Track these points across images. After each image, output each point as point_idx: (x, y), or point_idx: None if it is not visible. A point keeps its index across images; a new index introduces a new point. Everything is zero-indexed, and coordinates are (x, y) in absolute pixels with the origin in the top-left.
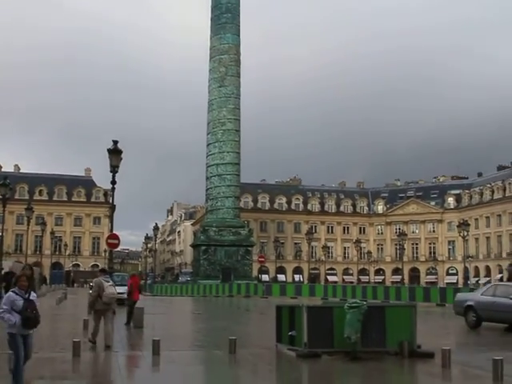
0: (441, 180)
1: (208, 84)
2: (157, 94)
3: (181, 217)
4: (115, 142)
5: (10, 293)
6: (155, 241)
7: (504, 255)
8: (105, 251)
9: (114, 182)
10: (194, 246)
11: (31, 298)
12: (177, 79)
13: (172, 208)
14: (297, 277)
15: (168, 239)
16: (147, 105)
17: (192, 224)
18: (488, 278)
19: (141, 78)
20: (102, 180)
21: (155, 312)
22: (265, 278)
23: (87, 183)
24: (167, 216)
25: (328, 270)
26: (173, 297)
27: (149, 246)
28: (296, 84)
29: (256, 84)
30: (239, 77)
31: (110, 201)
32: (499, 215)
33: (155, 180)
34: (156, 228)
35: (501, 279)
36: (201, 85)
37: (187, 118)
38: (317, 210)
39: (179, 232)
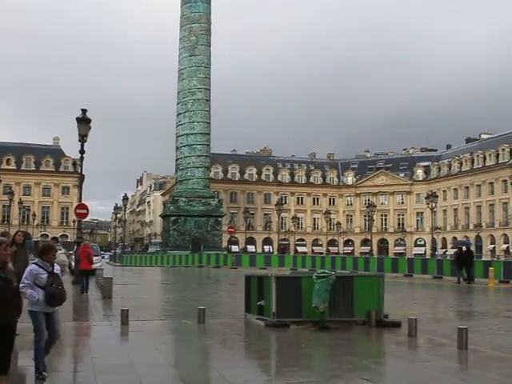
0: (410, 152)
1: (178, 53)
2: (128, 65)
3: (150, 187)
4: (84, 111)
5: (32, 265)
6: (124, 211)
7: (471, 227)
8: (73, 221)
9: (82, 152)
10: (164, 216)
11: (55, 271)
12: (148, 49)
13: (142, 178)
14: (266, 247)
15: (138, 209)
16: (118, 75)
17: (162, 194)
18: (455, 250)
19: (114, 46)
20: (71, 149)
21: (124, 282)
22: (234, 248)
23: (56, 152)
24: (137, 186)
25: (297, 240)
26: (142, 267)
27: (118, 216)
28: (267, 55)
29: (227, 54)
30: (210, 46)
31: (79, 170)
32: (467, 187)
33: (125, 150)
34: (125, 198)
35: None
36: (172, 54)
37: (158, 88)
38: (287, 181)
39: (149, 202)
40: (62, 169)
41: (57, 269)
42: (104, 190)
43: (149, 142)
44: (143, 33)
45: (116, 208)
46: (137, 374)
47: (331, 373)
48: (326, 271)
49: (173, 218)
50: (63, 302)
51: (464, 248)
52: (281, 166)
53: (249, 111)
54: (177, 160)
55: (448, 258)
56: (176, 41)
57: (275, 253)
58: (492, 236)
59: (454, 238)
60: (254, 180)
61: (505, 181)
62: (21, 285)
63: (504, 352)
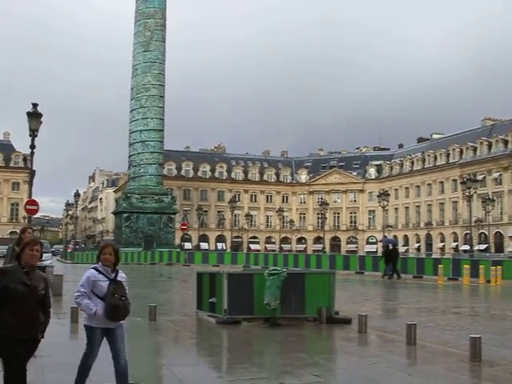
0: (363, 151)
1: (133, 48)
2: (79, 58)
3: (103, 184)
4: (35, 105)
5: (90, 270)
6: (76, 208)
7: (422, 225)
8: (24, 218)
9: (33, 147)
10: (116, 213)
11: (119, 278)
12: (102, 42)
13: (94, 175)
14: (219, 245)
15: (90, 206)
16: (69, 68)
17: (114, 191)
18: (406, 247)
19: (67, 33)
20: (22, 144)
21: (75, 280)
22: (187, 245)
23: (6, 147)
24: (89, 183)
25: (251, 238)
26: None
27: (70, 213)
28: (222, 52)
29: (182, 50)
30: (164, 42)
31: (30, 166)
32: (418, 186)
33: (77, 146)
34: (77, 195)
35: (418, 248)
36: (126, 49)
37: (110, 83)
38: (240, 179)
39: (101, 199)
40: (12, 164)
41: (121, 276)
42: (55, 187)
43: (102, 138)
44: (102, 22)
45: (67, 205)
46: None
47: (282, 369)
48: (278, 268)
49: (125, 215)
50: (127, 316)
51: (390, 246)
52: (234, 163)
53: (203, 108)
54: (130, 156)
55: (400, 255)
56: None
57: (228, 250)
58: (442, 234)
59: (405, 236)
60: (207, 177)
61: (455, 180)
62: (76, 294)
63: (451, 347)
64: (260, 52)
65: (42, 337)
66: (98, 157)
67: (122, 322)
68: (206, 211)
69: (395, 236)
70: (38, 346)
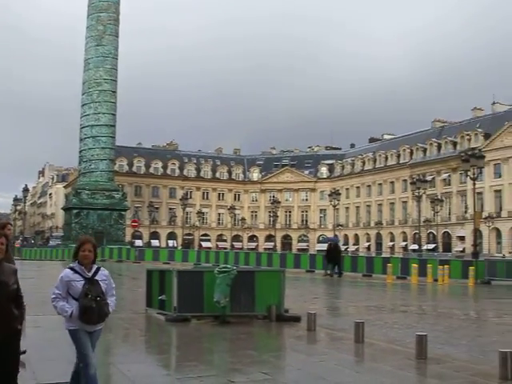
0: (315, 150)
1: (85, 42)
2: (30, 53)
3: (53, 179)
4: None
5: (65, 270)
6: (25, 203)
7: (372, 224)
8: None
9: None
10: (66, 209)
11: (97, 277)
12: (53, 39)
13: (44, 170)
14: (171, 242)
15: (39, 202)
16: (20, 63)
17: (64, 187)
18: (356, 246)
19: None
20: None
21: (23, 276)
22: (138, 242)
23: None
24: (38, 178)
25: (202, 235)
26: (43, 261)
27: (18, 208)
28: (176, 48)
29: (135, 45)
30: (118, 36)
31: None
32: (369, 186)
33: (26, 140)
34: (26, 190)
35: (368, 247)
36: (78, 43)
37: (61, 77)
38: (193, 176)
39: (51, 194)
40: None
41: (102, 274)
42: (3, 181)
43: (52, 132)
44: (51, 19)
45: (16, 199)
46: (32, 369)
47: (230, 367)
48: (228, 266)
49: (75, 211)
50: (104, 319)
51: (332, 244)
52: (187, 160)
53: (156, 104)
54: (80, 152)
55: (349, 254)
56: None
57: (179, 247)
58: (392, 233)
59: (356, 235)
60: (159, 174)
61: (405, 180)
62: (51, 296)
63: (398, 345)
64: (216, 50)
65: (20, 330)
66: (49, 152)
67: (99, 325)
68: (157, 208)
69: (336, 235)
70: (19, 340)
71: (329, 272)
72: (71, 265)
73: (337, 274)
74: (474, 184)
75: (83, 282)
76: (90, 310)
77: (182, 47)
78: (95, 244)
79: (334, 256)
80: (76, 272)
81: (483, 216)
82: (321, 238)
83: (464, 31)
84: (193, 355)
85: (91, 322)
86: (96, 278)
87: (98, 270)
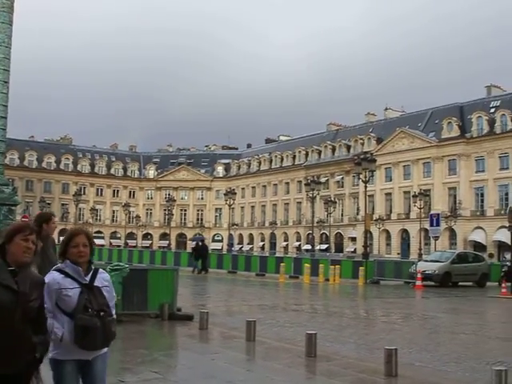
0: (212, 149)
1: None
2: None
3: None
4: None
5: (51, 274)
6: None
7: (267, 224)
8: None
9: None
10: None
11: (96, 282)
12: None
13: None
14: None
15: None
16: None
17: None
18: (251, 246)
19: None
20: None
21: None
22: None
23: None
24: None
25: (95, 232)
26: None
27: None
28: (72, 40)
29: (30, 35)
30: (11, 25)
31: None
32: (264, 186)
33: None
34: None
35: (262, 247)
36: None
37: None
38: (87, 172)
39: None
40: None
41: (101, 278)
42: None
43: None
44: None
45: None
46: None
47: (121, 366)
48: (121, 264)
49: None
50: (111, 341)
51: (200, 243)
52: (81, 155)
53: (50, 97)
54: None
55: (245, 253)
56: None
57: None
58: (286, 233)
59: (250, 235)
60: (52, 169)
61: (300, 181)
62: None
63: (289, 343)
64: (112, 45)
65: (41, 361)
66: None
67: (103, 350)
68: (49, 204)
69: (199, 234)
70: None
71: (197, 269)
72: (59, 265)
73: (199, 270)
74: (366, 187)
75: (79, 289)
76: (93, 331)
77: (86, 44)
78: (91, 236)
79: (201, 254)
80: (68, 276)
81: (374, 218)
82: (216, 238)
83: (363, 42)
84: None
85: (93, 348)
86: (95, 283)
87: (95, 272)
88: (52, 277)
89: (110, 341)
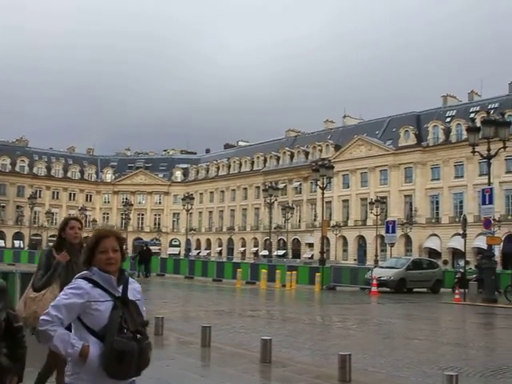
0: (170, 153)
1: None
2: None
3: None
4: None
5: (76, 281)
6: None
7: (224, 229)
8: None
9: None
10: None
11: (131, 295)
12: None
13: None
14: (17, 243)
15: None
16: None
17: None
18: (208, 251)
19: None
20: None
21: None
22: None
23: None
24: None
25: (51, 236)
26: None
27: None
28: (36, 43)
29: None
30: None
31: None
32: (222, 191)
33: None
34: None
35: (220, 252)
36: None
37: None
38: (43, 174)
39: None
40: None
41: (134, 289)
42: None
43: None
44: None
45: None
46: None
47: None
48: None
49: None
50: (144, 368)
51: (144, 247)
52: (37, 158)
53: (4, 97)
54: None
55: (202, 259)
56: None
57: (26, 248)
58: (243, 239)
59: (208, 240)
60: (6, 171)
61: (258, 187)
62: (41, 319)
63: (244, 349)
64: (77, 45)
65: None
66: None
67: (130, 379)
68: (3, 207)
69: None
70: None
71: (142, 273)
72: (85, 273)
73: (144, 274)
74: (323, 193)
75: (111, 303)
76: (129, 357)
77: (43, 44)
78: (122, 238)
79: (144, 258)
80: (97, 285)
81: (331, 224)
82: (173, 242)
83: (324, 52)
84: None
85: (124, 377)
86: (130, 296)
87: (126, 282)
88: (80, 284)
89: (143, 369)
